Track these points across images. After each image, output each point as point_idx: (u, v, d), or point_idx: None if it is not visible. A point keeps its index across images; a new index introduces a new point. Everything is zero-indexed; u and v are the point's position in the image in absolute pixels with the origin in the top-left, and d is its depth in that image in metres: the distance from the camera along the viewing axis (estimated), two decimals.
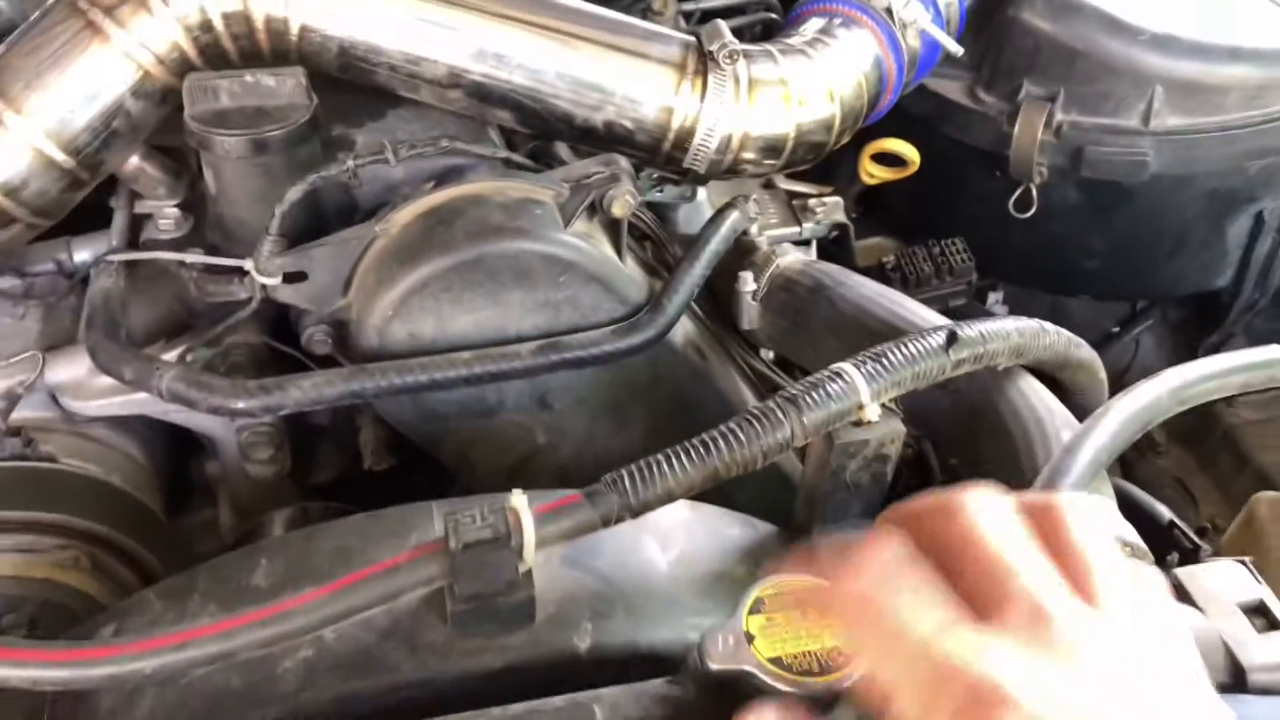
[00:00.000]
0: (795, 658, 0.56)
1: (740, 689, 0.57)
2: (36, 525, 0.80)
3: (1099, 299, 1.34)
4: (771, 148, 0.92)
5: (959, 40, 1.08)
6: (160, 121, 0.85)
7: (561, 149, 0.95)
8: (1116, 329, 1.42)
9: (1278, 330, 1.17)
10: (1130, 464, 1.30)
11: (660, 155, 0.90)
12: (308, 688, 0.60)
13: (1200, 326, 1.34)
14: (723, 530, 0.75)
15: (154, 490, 0.93)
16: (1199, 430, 1.29)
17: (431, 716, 0.57)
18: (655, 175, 0.96)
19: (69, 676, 0.57)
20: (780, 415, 0.65)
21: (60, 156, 0.79)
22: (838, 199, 1.13)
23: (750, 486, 0.83)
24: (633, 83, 0.87)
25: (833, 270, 0.91)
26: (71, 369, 0.87)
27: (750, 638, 0.56)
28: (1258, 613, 0.65)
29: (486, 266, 0.79)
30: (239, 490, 0.95)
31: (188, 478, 1.02)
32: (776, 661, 0.55)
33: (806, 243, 1.10)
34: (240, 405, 0.75)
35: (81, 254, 0.98)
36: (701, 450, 0.64)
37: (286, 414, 0.90)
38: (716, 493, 0.75)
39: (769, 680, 0.54)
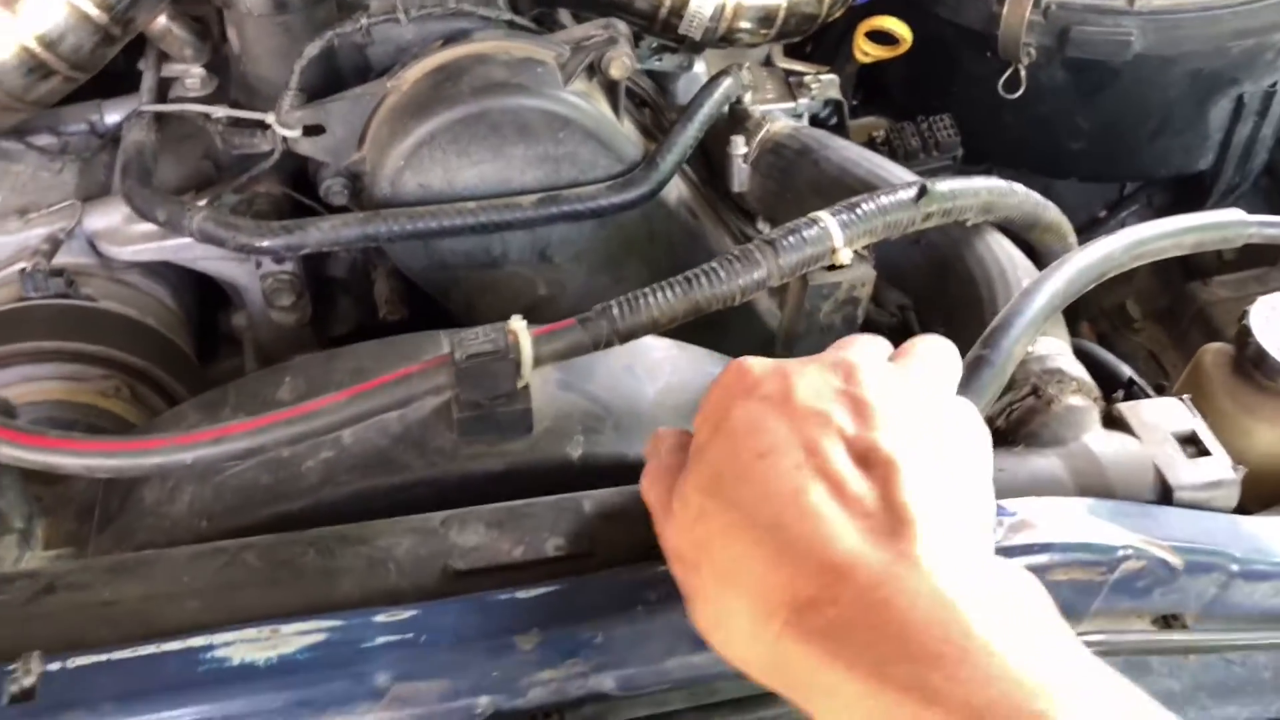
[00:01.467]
0: None
1: None
2: (83, 355, 0.87)
3: (1086, 180, 1.38)
4: (764, 17, 0.97)
5: None
6: None
7: (564, 16, 1.00)
8: (1104, 213, 1.46)
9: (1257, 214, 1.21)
10: (1107, 338, 1.36)
11: (657, 22, 0.95)
12: (328, 484, 0.68)
13: (1184, 210, 1.38)
14: (706, 367, 0.81)
15: (184, 335, 1.00)
16: (1174, 307, 1.34)
17: (439, 510, 0.65)
18: (654, 44, 1.00)
19: (120, 464, 0.64)
20: (759, 256, 0.71)
21: (95, 12, 0.84)
22: (833, 76, 1.16)
23: (738, 340, 0.90)
24: None
25: (819, 134, 0.96)
26: (107, 217, 0.94)
27: None
28: (1189, 441, 0.71)
29: (490, 120, 0.84)
30: (263, 338, 1.02)
31: (215, 329, 1.09)
32: None
33: (800, 117, 1.15)
34: (265, 243, 0.82)
35: (112, 115, 1.04)
36: (685, 285, 0.70)
37: (307, 264, 0.97)
38: (707, 344, 0.82)
39: None
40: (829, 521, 0.46)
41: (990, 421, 0.75)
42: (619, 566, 0.60)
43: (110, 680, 0.51)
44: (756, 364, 0.55)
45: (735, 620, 0.47)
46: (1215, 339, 0.87)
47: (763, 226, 1.10)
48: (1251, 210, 0.85)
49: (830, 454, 0.48)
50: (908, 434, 0.49)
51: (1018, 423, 0.76)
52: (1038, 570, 0.61)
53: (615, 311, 0.68)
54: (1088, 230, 1.34)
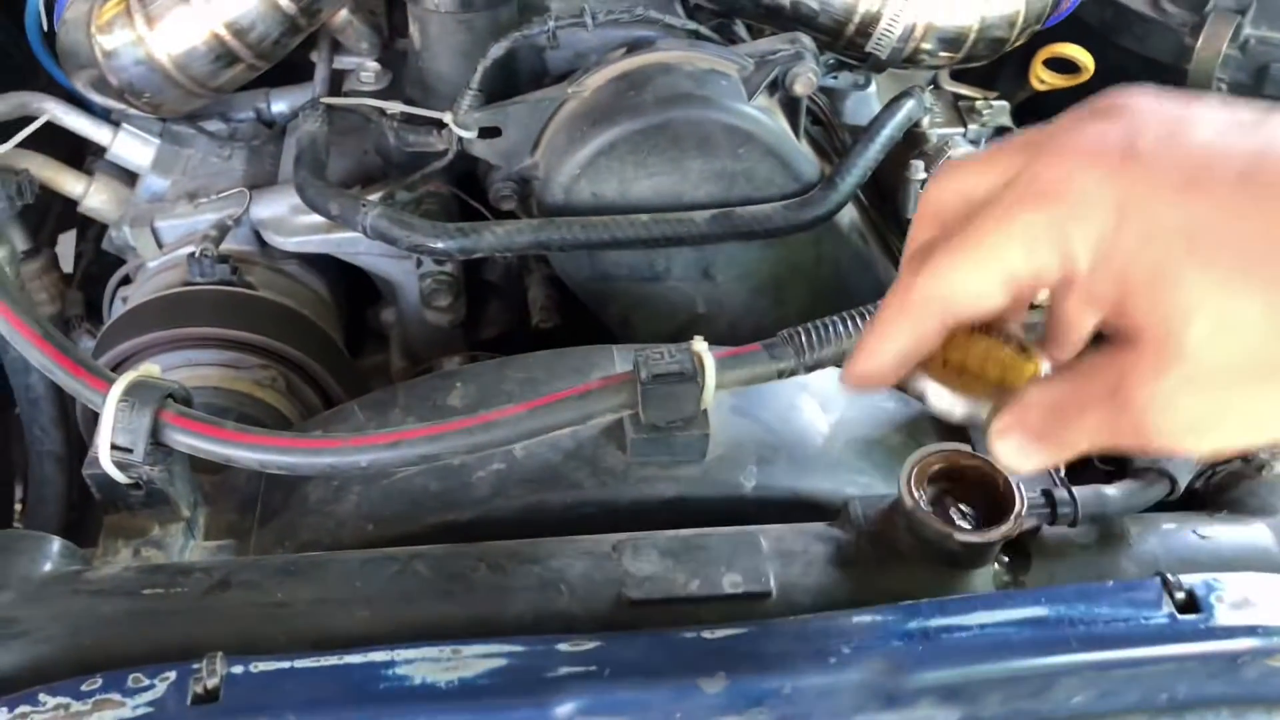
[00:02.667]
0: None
1: (897, 535, 0.62)
2: (242, 344, 0.88)
3: None
4: (953, 39, 0.93)
5: None
6: None
7: (740, 28, 0.97)
8: None
9: None
10: None
11: (842, 39, 0.91)
12: (498, 496, 0.66)
13: None
14: (880, 401, 0.78)
15: (338, 328, 1.00)
16: None
17: (607, 533, 0.63)
18: (833, 60, 0.97)
19: (294, 462, 0.63)
20: None
21: (285, 2, 0.84)
22: (1004, 103, 1.12)
23: None
24: None
25: None
26: (274, 207, 0.94)
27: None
28: None
29: (672, 132, 0.82)
30: (413, 336, 1.01)
31: (361, 323, 1.09)
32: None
33: (974, 144, 1.10)
34: (439, 245, 0.81)
35: (279, 105, 1.04)
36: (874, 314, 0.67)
37: (464, 266, 0.96)
38: None
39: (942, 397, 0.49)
40: None
41: (1189, 486, 0.70)
42: (799, 613, 0.57)
43: (293, 687, 0.50)
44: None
45: None
46: None
47: None
48: None
49: None
50: None
51: (1220, 487, 0.71)
52: (1260, 654, 0.56)
53: (803, 340, 0.65)
54: None
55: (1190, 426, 0.40)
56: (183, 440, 0.62)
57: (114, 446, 0.60)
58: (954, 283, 0.43)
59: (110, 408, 0.60)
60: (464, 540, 0.63)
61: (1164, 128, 0.40)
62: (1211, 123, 0.40)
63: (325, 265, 0.99)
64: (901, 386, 0.50)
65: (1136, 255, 0.39)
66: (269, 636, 0.56)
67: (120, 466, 0.61)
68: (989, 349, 0.48)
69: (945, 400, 0.49)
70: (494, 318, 1.04)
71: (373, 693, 0.50)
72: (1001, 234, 0.42)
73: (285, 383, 0.89)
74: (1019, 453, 0.45)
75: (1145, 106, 0.42)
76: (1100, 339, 0.45)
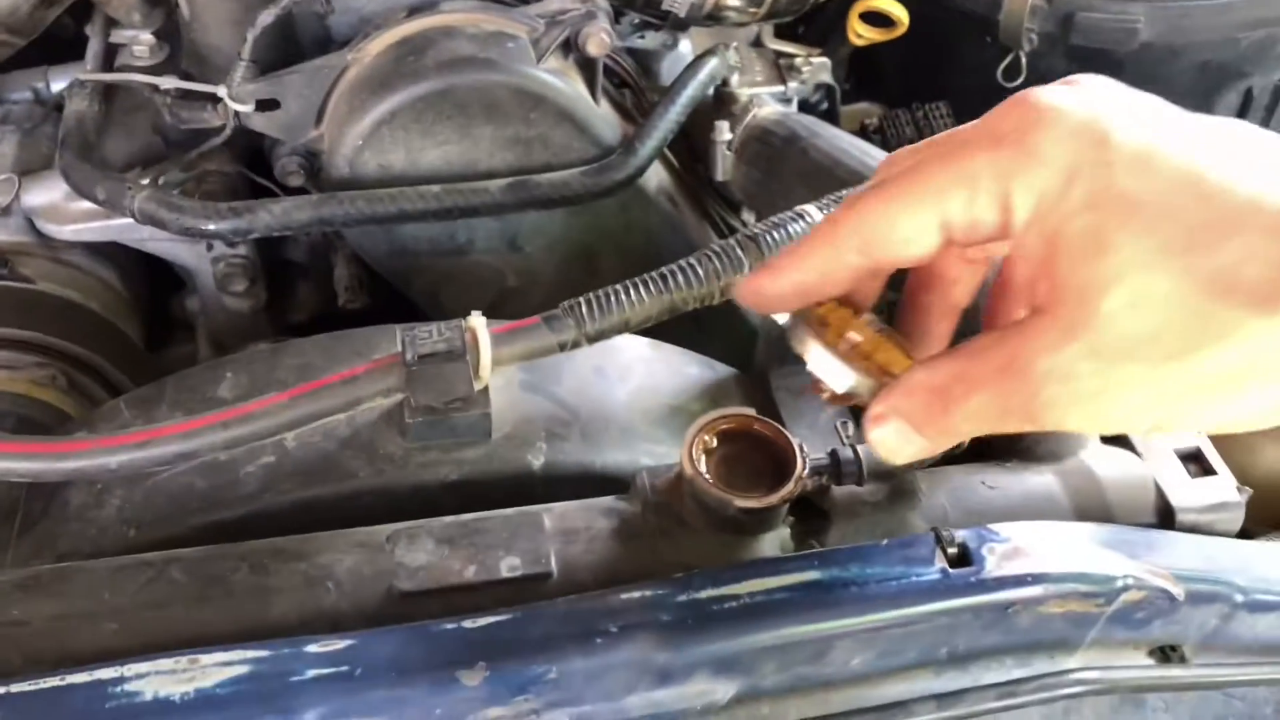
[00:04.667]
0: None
1: (683, 505, 0.60)
2: (15, 342, 0.82)
3: None
4: None
5: None
6: None
7: None
8: None
9: None
10: None
11: None
12: (269, 491, 0.63)
13: None
14: (681, 368, 0.77)
15: (132, 319, 0.94)
16: None
17: (389, 523, 0.60)
18: (636, 20, 0.95)
19: (38, 468, 0.59)
20: (740, 252, 0.66)
21: None
22: (825, 60, 1.11)
23: (716, 338, 0.85)
24: None
25: (808, 121, 0.91)
26: (48, 193, 0.88)
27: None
28: (1193, 459, 0.68)
29: (456, 98, 0.79)
30: (217, 324, 0.97)
31: (168, 313, 1.04)
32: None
33: (789, 101, 1.09)
34: (210, 227, 0.76)
35: (58, 83, 0.98)
36: (660, 282, 0.65)
37: (263, 247, 0.92)
38: (688, 344, 0.77)
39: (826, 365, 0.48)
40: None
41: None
42: (580, 592, 0.55)
43: (5, 715, 0.46)
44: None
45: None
46: None
47: (748, 216, 1.05)
48: None
49: None
50: None
51: (1011, 436, 0.71)
52: (1031, 602, 0.57)
53: (584, 310, 0.63)
54: None
55: (1083, 400, 0.40)
56: None
57: None
58: (887, 217, 0.42)
59: None
60: (234, 539, 0.59)
61: (1135, 108, 0.41)
62: (1184, 122, 0.41)
63: (116, 253, 0.93)
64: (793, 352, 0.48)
65: (1075, 216, 0.39)
66: (2, 660, 0.52)
67: None
68: (882, 334, 0.47)
69: (828, 366, 0.46)
70: (303, 300, 0.99)
71: (99, 713, 0.47)
72: (946, 174, 0.41)
73: (67, 380, 0.84)
74: (896, 440, 0.44)
75: (1118, 89, 0.42)
76: None
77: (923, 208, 0.42)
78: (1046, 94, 0.41)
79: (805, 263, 0.45)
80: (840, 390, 0.47)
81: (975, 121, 0.43)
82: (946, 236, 0.42)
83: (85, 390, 0.85)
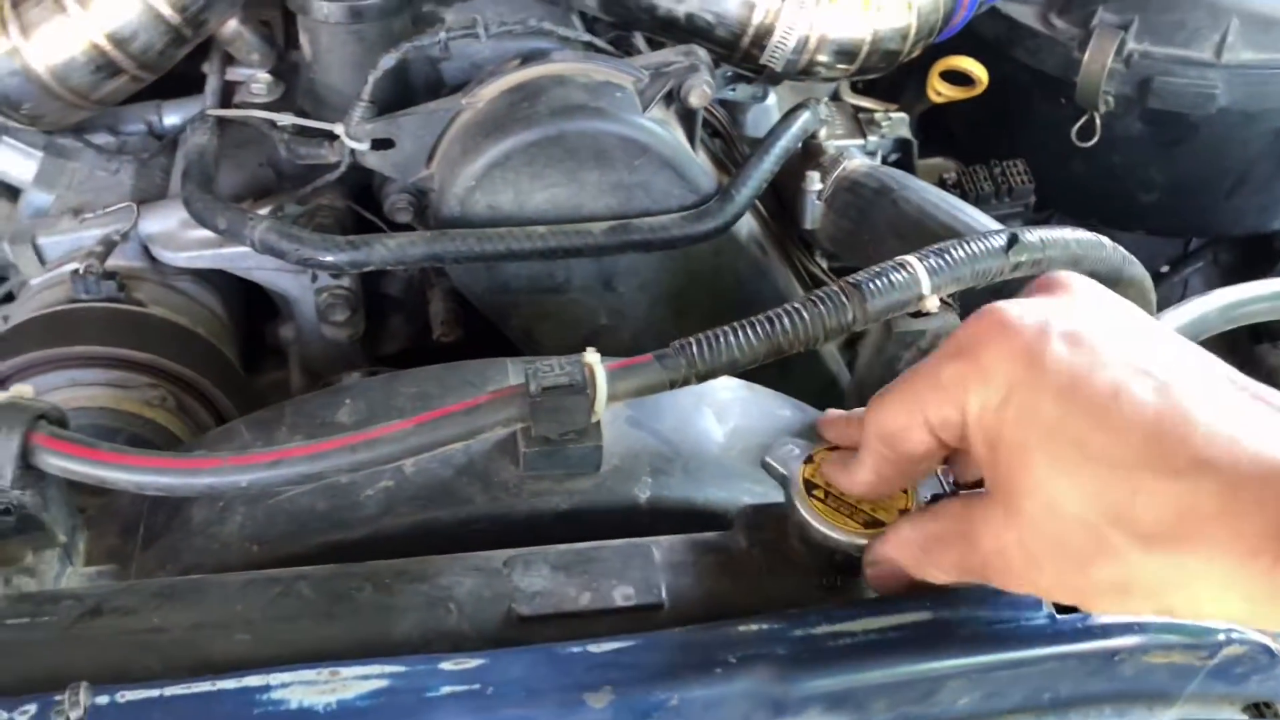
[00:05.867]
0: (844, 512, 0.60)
1: (788, 544, 0.62)
2: (130, 363, 0.85)
3: (1154, 234, 1.35)
4: (847, 52, 0.94)
5: None
6: None
7: (639, 40, 0.97)
8: (1167, 268, 1.42)
9: None
10: None
11: (738, 51, 0.92)
12: (387, 514, 0.65)
13: (1251, 270, 1.35)
14: (775, 410, 0.78)
15: (232, 345, 0.98)
16: (1242, 371, 1.30)
17: (501, 548, 0.62)
18: (730, 73, 0.98)
19: (172, 483, 0.61)
20: (844, 298, 0.68)
21: (168, 12, 0.82)
22: (903, 115, 1.14)
23: (799, 381, 0.87)
24: None
25: (897, 174, 0.93)
26: (164, 221, 0.92)
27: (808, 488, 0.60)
28: None
29: (566, 144, 0.82)
30: (312, 352, 0.99)
31: (260, 340, 1.07)
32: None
33: (870, 155, 1.12)
34: (329, 258, 0.79)
35: (171, 117, 1.02)
36: (768, 325, 0.67)
37: (362, 279, 0.95)
38: (770, 386, 0.79)
39: (822, 527, 0.57)
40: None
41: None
42: (692, 624, 0.57)
43: (162, 717, 0.48)
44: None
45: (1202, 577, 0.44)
46: None
47: (821, 261, 1.07)
48: None
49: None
50: None
51: None
52: (1136, 650, 0.58)
53: (694, 350, 0.65)
54: None
55: (1016, 575, 0.48)
56: (54, 463, 0.60)
57: None
58: (888, 422, 0.52)
59: None
60: (353, 560, 0.61)
61: (1085, 329, 0.47)
62: (1130, 347, 0.47)
63: (220, 280, 0.97)
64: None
65: (1007, 429, 0.46)
66: (143, 664, 0.54)
67: None
68: None
69: (824, 528, 0.57)
70: (395, 332, 1.02)
71: (247, 718, 0.49)
72: (924, 380, 0.50)
73: (176, 401, 0.87)
74: (889, 581, 0.55)
75: (1086, 300, 0.50)
76: None
77: (911, 412, 0.50)
78: (1008, 309, 0.48)
79: (861, 468, 0.55)
80: (837, 546, 0.57)
81: (958, 328, 0.50)
82: (934, 434, 0.50)
83: (192, 412, 0.88)
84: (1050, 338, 0.47)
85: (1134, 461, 0.43)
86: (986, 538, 0.48)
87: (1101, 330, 0.47)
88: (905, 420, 0.51)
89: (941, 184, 1.20)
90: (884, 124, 1.13)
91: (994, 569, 0.49)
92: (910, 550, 0.53)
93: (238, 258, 0.89)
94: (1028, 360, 0.46)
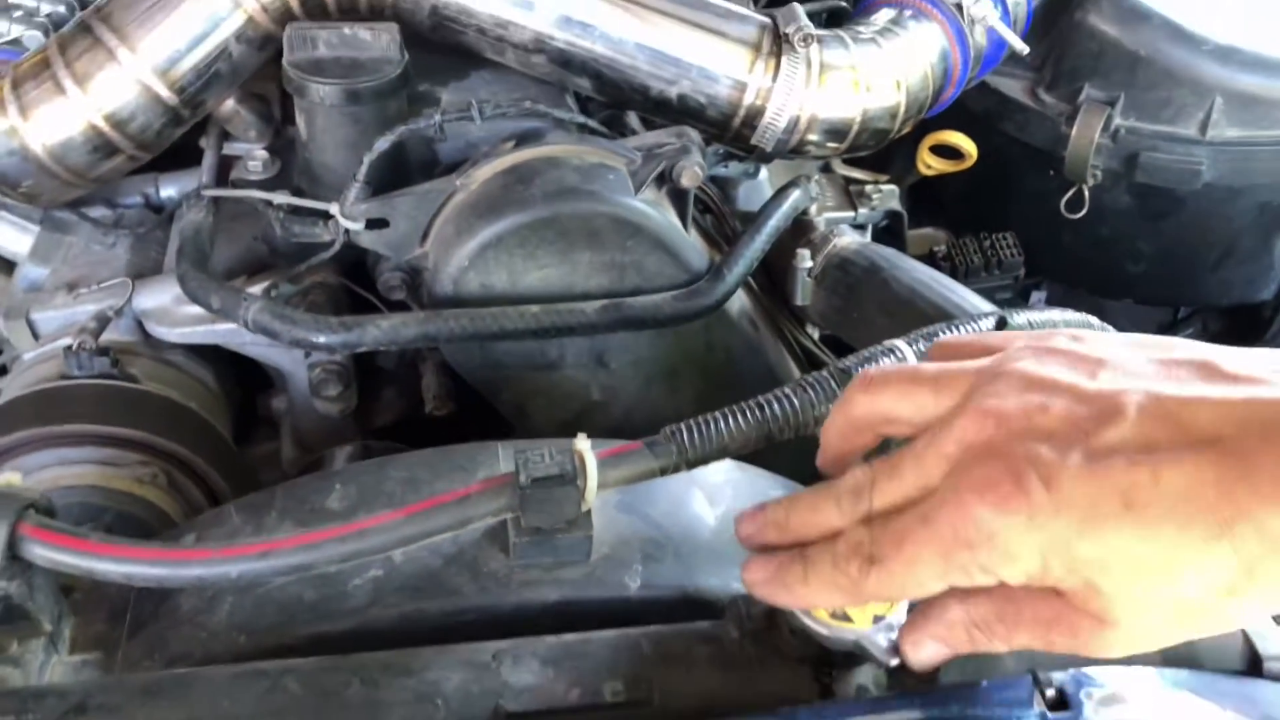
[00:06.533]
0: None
1: (780, 634, 0.61)
2: (120, 440, 0.85)
3: (1142, 303, 1.36)
4: (837, 131, 0.95)
5: (1024, 40, 1.11)
6: (259, 66, 0.89)
7: (632, 119, 0.99)
8: None
9: None
10: None
11: (729, 131, 0.93)
12: (376, 604, 0.65)
13: (1240, 339, 1.36)
14: (767, 491, 0.78)
15: (225, 419, 0.97)
16: None
17: (490, 639, 0.61)
18: (721, 150, 0.99)
19: (161, 574, 0.61)
20: (834, 384, 0.68)
21: (166, 93, 0.83)
22: (893, 187, 1.15)
23: (787, 457, 0.87)
24: (709, 59, 0.91)
25: (888, 253, 0.94)
26: (158, 297, 0.92)
27: None
28: None
29: (560, 225, 0.82)
30: (304, 425, 0.99)
31: (252, 410, 1.07)
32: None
33: (861, 228, 1.13)
34: (321, 340, 0.80)
35: (168, 190, 1.03)
36: (757, 411, 0.67)
37: (357, 354, 0.95)
38: (758, 460, 0.79)
39: (812, 624, 0.57)
40: None
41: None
42: (684, 718, 0.56)
43: None
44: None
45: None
46: None
47: (813, 332, 1.08)
48: None
49: None
50: None
51: None
52: None
53: (685, 438, 0.65)
54: None
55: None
56: (42, 554, 0.59)
57: None
58: (906, 590, 0.51)
59: None
60: (341, 649, 0.61)
61: (1074, 429, 0.46)
62: (1115, 432, 0.46)
63: (213, 354, 0.97)
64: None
65: (1064, 579, 0.46)
66: None
67: None
68: None
69: (810, 622, 0.56)
70: (388, 405, 1.02)
71: None
72: (930, 568, 0.48)
73: (167, 478, 0.87)
74: (934, 655, 0.53)
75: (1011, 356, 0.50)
76: None
77: (925, 586, 0.50)
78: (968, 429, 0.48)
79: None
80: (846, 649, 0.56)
81: (945, 427, 0.49)
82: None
83: (183, 489, 0.88)
84: (1031, 468, 0.46)
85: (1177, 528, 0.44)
86: (1088, 640, 0.48)
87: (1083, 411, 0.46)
88: (927, 590, 0.50)
89: (932, 256, 1.22)
90: (874, 196, 1.15)
91: (1091, 654, 0.49)
92: (967, 631, 0.51)
93: (231, 334, 0.90)
94: (1039, 514, 0.46)
